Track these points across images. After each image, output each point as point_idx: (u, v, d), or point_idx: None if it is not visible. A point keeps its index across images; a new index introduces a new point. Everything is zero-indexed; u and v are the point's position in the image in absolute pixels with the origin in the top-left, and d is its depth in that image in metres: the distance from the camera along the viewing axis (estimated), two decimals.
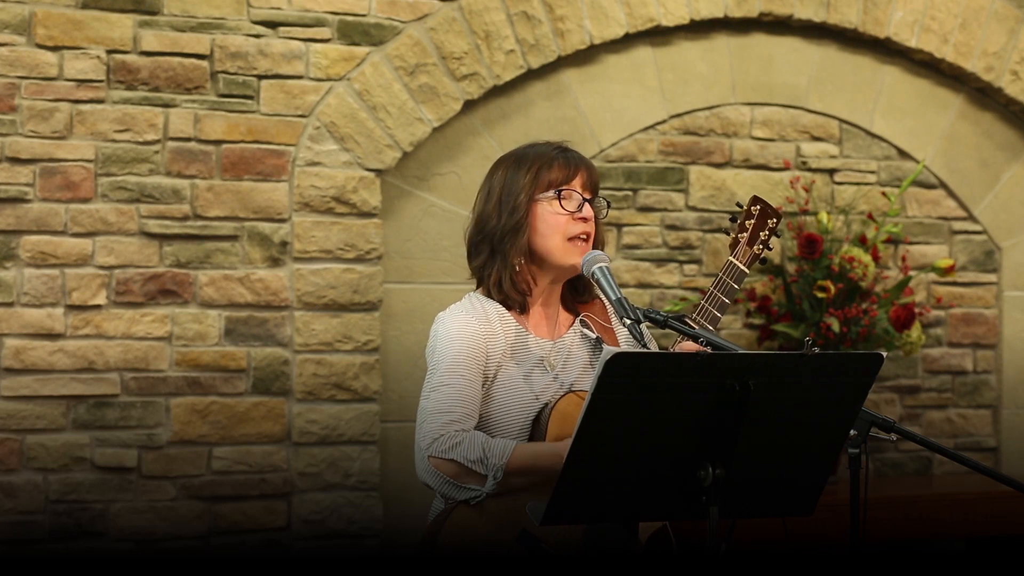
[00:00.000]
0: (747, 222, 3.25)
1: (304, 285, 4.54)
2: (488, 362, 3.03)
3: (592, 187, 3.12)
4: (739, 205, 3.30)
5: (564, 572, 2.93)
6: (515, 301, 3.09)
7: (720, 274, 3.18)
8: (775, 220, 3.26)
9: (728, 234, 3.29)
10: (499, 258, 3.08)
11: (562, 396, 3.04)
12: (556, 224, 3.07)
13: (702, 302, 3.14)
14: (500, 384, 3.03)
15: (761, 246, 3.25)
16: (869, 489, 2.82)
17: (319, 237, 4.56)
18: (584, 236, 3.07)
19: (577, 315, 3.18)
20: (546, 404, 3.04)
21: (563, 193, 3.07)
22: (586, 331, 3.16)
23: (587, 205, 3.08)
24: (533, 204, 3.07)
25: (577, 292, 3.18)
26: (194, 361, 4.45)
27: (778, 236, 3.29)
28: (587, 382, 3.06)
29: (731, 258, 3.21)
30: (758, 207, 3.26)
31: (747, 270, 3.22)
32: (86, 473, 4.35)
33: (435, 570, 2.95)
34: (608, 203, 3.16)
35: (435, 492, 2.98)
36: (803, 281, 4.95)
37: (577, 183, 3.09)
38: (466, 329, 3.02)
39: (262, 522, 4.50)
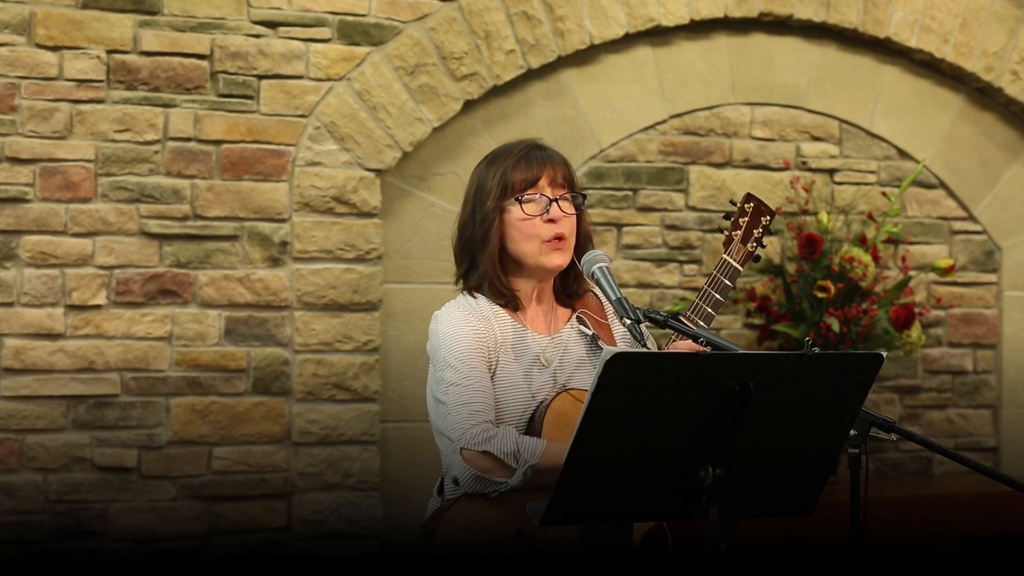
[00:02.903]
0: (741, 220, 3.26)
1: (304, 285, 4.54)
2: (489, 356, 3.03)
3: (564, 183, 3.10)
4: (733, 203, 3.31)
5: (560, 571, 2.93)
6: (504, 303, 3.09)
7: (714, 272, 3.19)
8: (769, 218, 3.27)
9: (723, 232, 3.29)
10: (477, 266, 3.09)
11: (556, 395, 3.04)
12: (526, 229, 3.06)
13: (696, 300, 3.15)
14: (499, 381, 3.04)
15: (755, 244, 3.25)
16: (869, 489, 2.82)
17: (319, 237, 4.56)
18: (557, 236, 3.06)
19: (573, 309, 3.18)
20: (541, 402, 3.04)
21: (525, 197, 3.06)
22: (583, 328, 3.16)
23: (555, 205, 3.07)
24: (501, 211, 3.07)
25: (567, 285, 3.18)
26: (194, 361, 4.45)
27: (772, 234, 3.29)
28: (583, 379, 3.07)
29: (725, 256, 3.22)
30: (751, 205, 3.27)
31: (741, 268, 3.22)
32: (86, 473, 4.35)
33: (431, 569, 2.95)
34: (583, 196, 3.13)
35: (460, 487, 2.97)
36: (803, 281, 4.95)
37: (544, 183, 3.08)
38: (465, 324, 3.03)
39: (262, 522, 4.50)
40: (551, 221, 3.06)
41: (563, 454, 2.86)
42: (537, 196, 3.06)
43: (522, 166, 3.08)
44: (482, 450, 2.91)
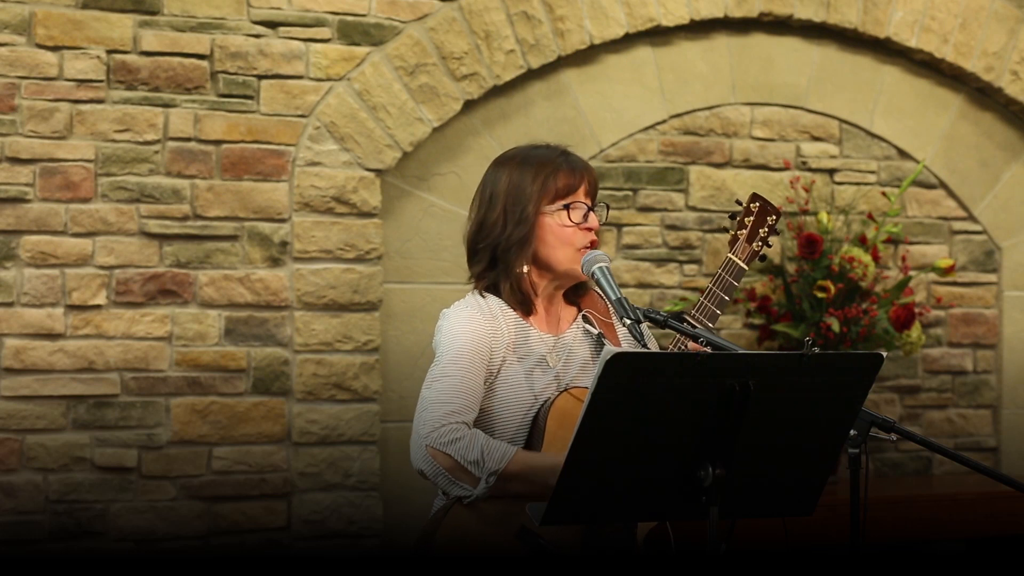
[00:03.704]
0: (746, 219, 3.26)
1: (304, 285, 4.54)
2: (492, 358, 3.03)
3: (593, 192, 3.13)
4: (738, 203, 3.31)
5: (563, 570, 2.93)
6: (517, 304, 3.10)
7: (720, 271, 3.19)
8: (775, 217, 3.27)
9: (728, 231, 3.29)
10: (501, 266, 3.09)
11: (559, 394, 3.04)
12: (564, 236, 3.07)
13: (701, 299, 3.15)
14: (502, 380, 3.04)
15: (760, 243, 3.25)
16: (869, 489, 2.82)
17: (319, 237, 4.56)
18: (590, 244, 3.08)
19: (578, 307, 3.19)
20: (544, 402, 3.04)
21: (571, 206, 3.07)
22: (588, 327, 3.16)
23: (591, 213, 3.09)
24: (540, 216, 3.07)
25: (578, 285, 3.18)
26: (194, 361, 4.45)
27: (777, 234, 3.29)
28: (587, 380, 3.07)
29: (730, 255, 3.21)
30: (757, 204, 3.26)
31: (746, 267, 3.22)
32: (86, 473, 4.35)
33: (433, 568, 2.95)
34: (607, 206, 3.17)
35: (429, 480, 2.98)
36: (803, 281, 4.95)
37: (581, 191, 3.09)
38: (470, 325, 3.03)
39: (262, 522, 4.50)
40: (587, 229, 3.07)
41: (534, 465, 2.88)
42: (579, 204, 3.08)
43: (564, 172, 3.08)
44: (445, 452, 2.91)
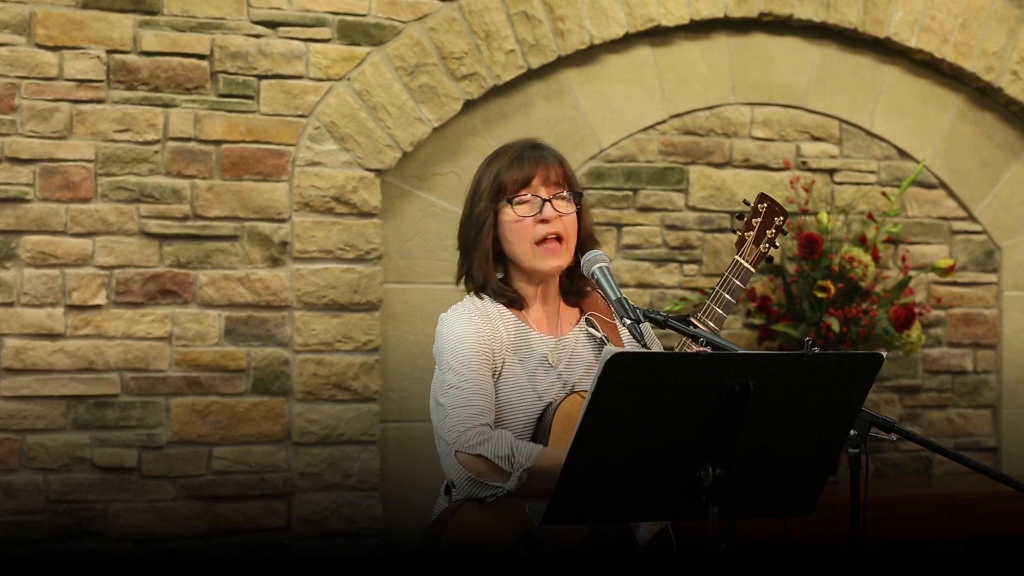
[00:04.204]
0: (754, 220, 3.21)
1: (304, 285, 4.54)
2: (494, 359, 3.03)
3: (558, 182, 3.08)
4: (746, 203, 3.27)
5: (566, 573, 2.93)
6: (511, 303, 3.09)
7: (726, 273, 3.15)
8: (782, 218, 3.22)
9: (735, 232, 3.25)
10: (477, 267, 3.09)
11: (566, 396, 3.04)
12: (520, 230, 3.06)
13: (707, 301, 3.12)
14: (505, 381, 3.04)
15: (768, 244, 3.21)
16: (869, 489, 2.82)
17: (319, 237, 4.56)
18: (553, 236, 3.05)
19: (580, 309, 3.18)
20: (549, 404, 3.04)
21: (516, 199, 3.06)
22: (591, 330, 3.15)
23: (548, 205, 3.06)
24: (496, 212, 3.06)
25: (573, 283, 3.16)
26: (194, 361, 4.45)
27: (785, 234, 3.26)
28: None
29: (737, 257, 3.18)
30: (765, 205, 3.22)
31: (753, 269, 3.18)
32: (86, 473, 4.35)
33: (437, 570, 2.95)
34: (579, 194, 3.12)
35: (457, 491, 2.97)
36: (803, 281, 4.95)
37: (537, 183, 3.07)
38: (470, 327, 3.03)
39: (262, 522, 4.50)
40: (544, 221, 3.05)
41: (559, 458, 2.86)
42: (530, 197, 3.05)
43: (515, 167, 3.07)
44: (476, 453, 2.91)
